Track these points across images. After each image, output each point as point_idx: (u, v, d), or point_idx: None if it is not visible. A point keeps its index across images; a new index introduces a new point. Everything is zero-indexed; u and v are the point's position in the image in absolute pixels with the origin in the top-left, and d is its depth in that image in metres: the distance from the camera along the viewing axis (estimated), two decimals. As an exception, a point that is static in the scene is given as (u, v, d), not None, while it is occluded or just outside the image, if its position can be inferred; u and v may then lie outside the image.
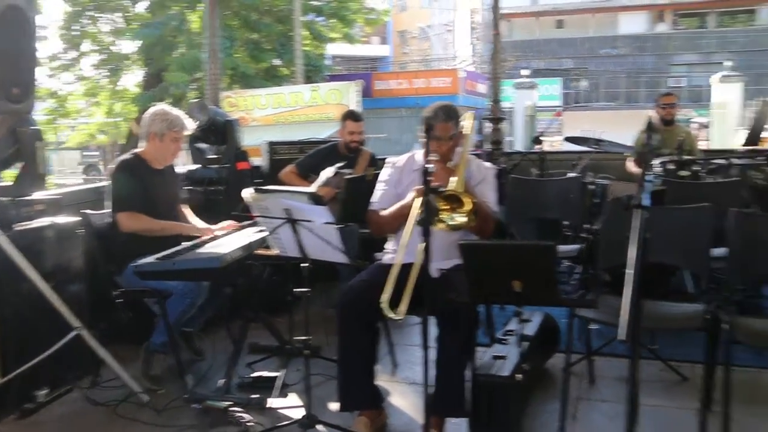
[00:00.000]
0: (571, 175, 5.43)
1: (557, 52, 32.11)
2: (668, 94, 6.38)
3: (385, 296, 2.83)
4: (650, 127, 2.52)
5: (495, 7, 7.76)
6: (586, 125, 24.18)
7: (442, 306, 2.97)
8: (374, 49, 37.04)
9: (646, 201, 2.13)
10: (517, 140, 18.09)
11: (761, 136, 6.77)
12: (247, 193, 3.07)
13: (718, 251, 3.61)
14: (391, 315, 2.79)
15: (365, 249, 4.03)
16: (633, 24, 33.06)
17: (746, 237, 3.33)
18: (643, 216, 2.13)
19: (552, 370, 3.97)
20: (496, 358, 3.30)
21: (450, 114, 3.34)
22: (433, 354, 2.98)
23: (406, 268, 2.96)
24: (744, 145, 6.50)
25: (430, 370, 2.72)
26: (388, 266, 3.11)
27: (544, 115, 24.51)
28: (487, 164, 3.66)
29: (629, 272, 2.05)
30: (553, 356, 4.03)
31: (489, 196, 3.44)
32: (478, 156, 4.14)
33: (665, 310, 3.42)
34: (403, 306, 2.82)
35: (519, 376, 2.98)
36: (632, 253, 2.09)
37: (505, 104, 16.85)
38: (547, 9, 33.87)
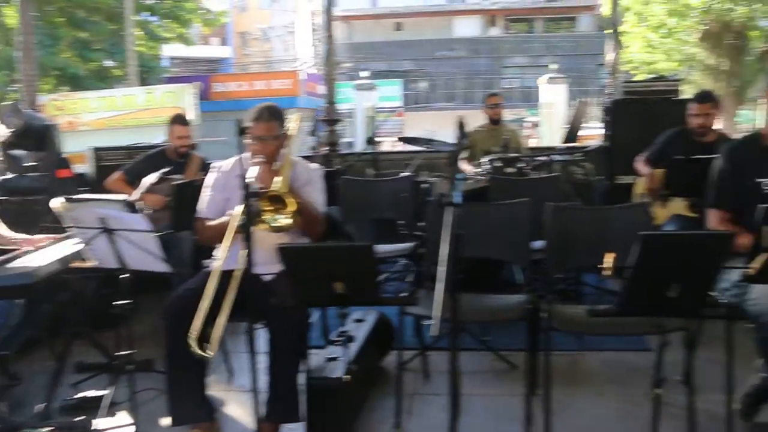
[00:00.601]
0: (403, 174, 5.54)
1: (397, 54, 32.83)
2: (494, 94, 6.62)
3: (193, 333, 2.75)
4: (461, 128, 2.59)
5: (328, 9, 7.76)
6: (427, 125, 24.96)
7: (271, 311, 2.92)
8: (214, 50, 36.21)
9: (457, 199, 2.19)
10: (357, 141, 18.28)
11: (579, 133, 7.25)
12: (57, 203, 2.88)
13: (539, 243, 3.80)
14: (200, 353, 2.72)
15: (199, 256, 3.90)
16: (467, 28, 34.44)
17: (561, 229, 3.52)
18: (454, 213, 2.18)
19: (388, 367, 4.01)
20: (329, 360, 3.29)
21: (273, 114, 3.30)
22: (265, 360, 2.93)
23: (229, 274, 2.89)
24: (563, 143, 6.93)
25: (261, 376, 2.67)
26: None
27: (385, 115, 24.95)
28: (314, 165, 3.64)
29: (440, 269, 2.09)
30: (388, 354, 4.07)
31: (316, 197, 3.43)
32: (309, 158, 4.12)
33: (492, 302, 3.56)
34: (217, 332, 2.75)
35: (346, 377, 2.98)
36: (444, 249, 2.13)
37: (345, 106, 17.00)
38: (386, 12, 34.56)
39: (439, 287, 2.09)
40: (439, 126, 25.34)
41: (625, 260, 2.41)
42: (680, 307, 2.36)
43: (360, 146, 16.99)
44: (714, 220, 3.33)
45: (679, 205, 4.81)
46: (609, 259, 2.44)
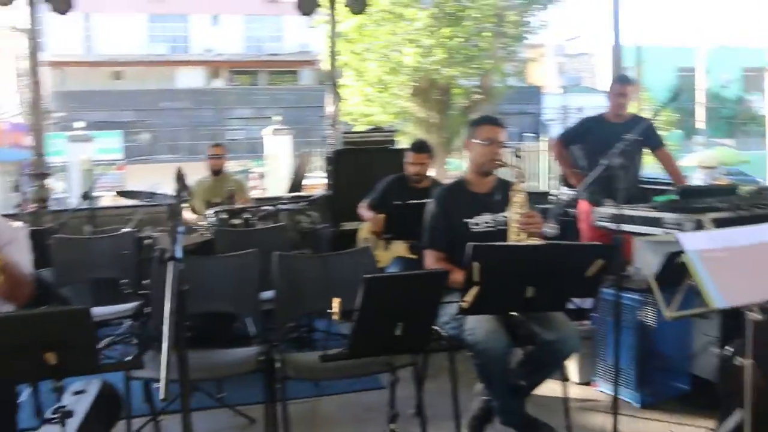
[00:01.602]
0: (124, 230, 5.25)
1: (116, 104, 31.36)
2: (216, 144, 6.56)
3: None
4: (180, 179, 2.50)
5: (34, 52, 7.14)
6: (151, 178, 23.97)
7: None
8: None
9: (178, 253, 2.09)
10: (73, 196, 17.00)
11: (303, 183, 7.44)
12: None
13: (269, 293, 3.78)
14: None
15: None
16: (191, 79, 34.02)
17: (290, 277, 3.54)
18: (176, 268, 2.08)
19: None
20: (43, 441, 2.93)
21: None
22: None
23: None
24: (289, 192, 7.07)
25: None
26: None
27: (103, 168, 23.60)
28: (17, 224, 3.29)
29: (165, 328, 1.97)
30: (115, 425, 3.75)
31: (20, 258, 3.08)
32: (12, 216, 3.72)
33: (224, 357, 3.45)
34: None
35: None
36: (168, 306, 2.02)
37: (57, 159, 15.77)
38: (103, 59, 32.90)
39: (165, 347, 1.97)
40: (163, 179, 24.55)
41: (353, 303, 2.48)
42: (406, 344, 2.46)
43: (75, 202, 15.83)
44: (430, 260, 3.57)
45: (400, 248, 5.10)
46: (336, 304, 2.48)
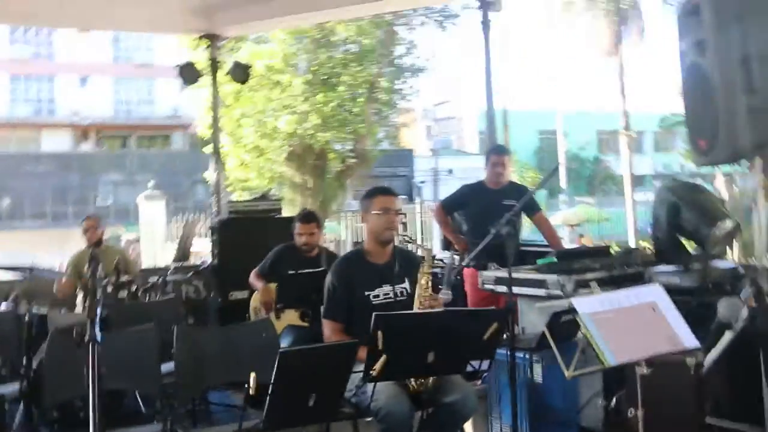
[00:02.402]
0: (2, 308, 5.01)
1: (-26, 169, 29.61)
2: (88, 217, 6.12)
3: None
4: (94, 258, 2.49)
5: None
6: (14, 246, 22.65)
7: None
8: None
9: (99, 336, 2.09)
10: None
11: (189, 251, 7.36)
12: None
13: (166, 366, 3.74)
14: None
15: None
16: (56, 142, 32.67)
17: (192, 350, 3.53)
18: (95, 350, 2.08)
19: None
20: None
21: None
22: None
23: None
24: (175, 261, 6.96)
25: None
26: None
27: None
28: None
29: (91, 409, 1.96)
30: None
31: None
32: None
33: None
34: None
35: None
36: (92, 388, 2.01)
37: None
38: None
39: (91, 425, 1.96)
40: (27, 247, 23.23)
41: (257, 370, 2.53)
42: (319, 414, 2.54)
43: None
44: (328, 331, 3.64)
45: (291, 316, 5.15)
46: (252, 379, 2.53)
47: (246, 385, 2.48)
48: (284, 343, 4.84)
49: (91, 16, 7.20)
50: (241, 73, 7.69)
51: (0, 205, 29.15)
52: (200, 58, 8.09)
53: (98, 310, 2.13)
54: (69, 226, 26.73)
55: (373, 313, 2.85)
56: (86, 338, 2.04)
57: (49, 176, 30.31)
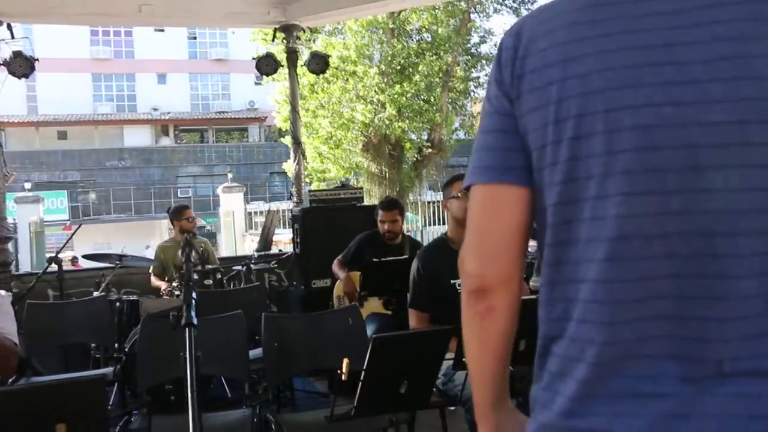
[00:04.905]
0: (96, 294, 5.17)
1: (61, 164, 30.84)
2: (187, 207, 6.44)
3: None
4: (188, 245, 2.51)
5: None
6: (99, 238, 23.53)
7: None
8: None
9: (194, 320, 2.10)
10: (23, 260, 16.44)
11: (272, 240, 7.43)
12: None
13: (253, 353, 3.77)
14: None
15: None
16: (138, 137, 33.69)
17: (278, 338, 3.54)
18: (191, 333, 2.09)
19: None
20: None
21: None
22: None
23: None
24: (257, 251, 7.04)
25: None
26: None
27: (52, 230, 23.08)
28: (1, 292, 3.22)
29: (189, 392, 1.97)
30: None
31: (8, 326, 3.01)
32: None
33: (218, 420, 3.41)
34: None
35: None
36: (189, 371, 2.02)
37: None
38: (48, 119, 32.40)
39: (191, 414, 1.97)
40: (111, 239, 24.09)
41: (350, 361, 2.51)
42: (410, 401, 2.49)
43: (28, 265, 15.38)
44: (414, 320, 3.59)
45: (374, 304, 5.12)
46: (345, 365, 2.50)
47: (338, 371, 2.45)
48: (368, 331, 4.83)
49: (168, 13, 7.36)
50: (319, 64, 7.70)
51: (87, 199, 30.28)
52: (275, 51, 8.19)
53: (193, 295, 2.13)
54: (152, 218, 27.65)
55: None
56: (182, 322, 2.04)
57: (132, 171, 31.33)
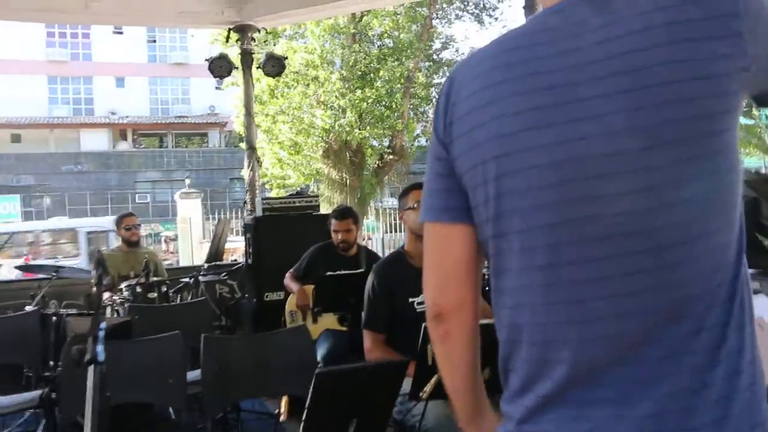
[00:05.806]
0: (29, 308, 4.78)
1: (15, 168, 29.96)
2: (130, 214, 6.12)
3: None
4: (100, 263, 2.18)
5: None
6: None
7: None
8: None
9: (101, 356, 1.78)
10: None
11: (222, 250, 7.09)
12: None
13: (193, 374, 3.46)
14: None
15: None
16: (95, 141, 32.95)
17: (219, 362, 3.22)
18: (99, 372, 1.77)
19: None
20: None
21: None
22: None
23: None
24: (207, 261, 6.69)
25: None
26: None
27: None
28: None
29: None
30: None
31: None
32: None
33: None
34: None
35: None
36: (88, 415, 1.71)
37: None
38: (1, 122, 31.43)
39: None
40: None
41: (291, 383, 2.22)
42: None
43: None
44: (369, 342, 3.30)
45: (329, 320, 4.82)
46: (283, 403, 2.20)
47: (277, 411, 2.15)
48: (321, 350, 4.53)
49: (117, 11, 7.04)
50: (275, 66, 7.39)
51: (41, 204, 29.46)
52: (233, 53, 7.87)
53: (101, 326, 1.81)
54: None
55: (423, 325, 2.49)
56: (86, 358, 1.73)
57: (88, 175, 30.58)
